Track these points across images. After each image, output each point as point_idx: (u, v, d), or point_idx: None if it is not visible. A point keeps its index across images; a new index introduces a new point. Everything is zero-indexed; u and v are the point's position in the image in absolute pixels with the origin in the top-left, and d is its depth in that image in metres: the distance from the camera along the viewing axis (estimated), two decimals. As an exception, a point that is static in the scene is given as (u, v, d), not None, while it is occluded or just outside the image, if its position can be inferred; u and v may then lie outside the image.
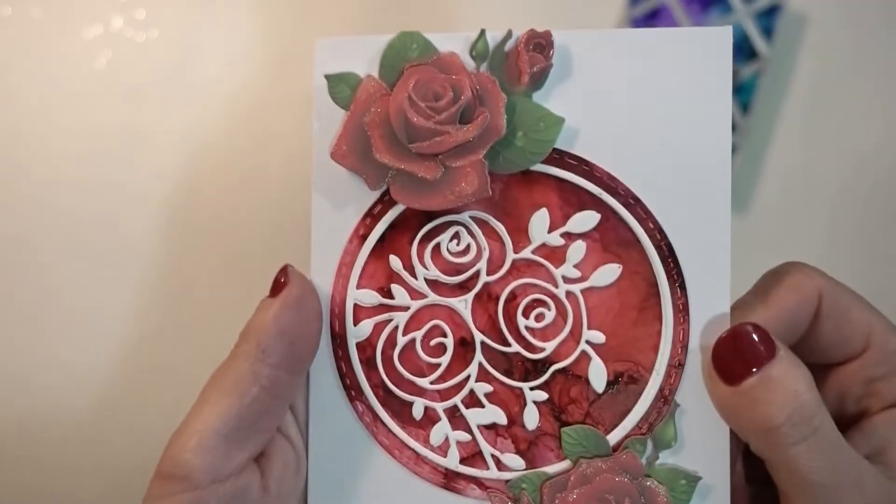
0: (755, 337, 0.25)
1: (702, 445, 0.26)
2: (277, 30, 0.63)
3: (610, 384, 0.27)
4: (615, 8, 0.62)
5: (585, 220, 0.27)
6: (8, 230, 0.60)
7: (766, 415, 0.24)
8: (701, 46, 0.26)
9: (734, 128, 0.58)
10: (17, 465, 0.59)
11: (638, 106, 0.26)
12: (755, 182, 0.60)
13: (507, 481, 0.27)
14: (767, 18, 0.60)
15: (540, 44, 0.26)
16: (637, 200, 0.26)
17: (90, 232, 0.60)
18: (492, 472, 0.27)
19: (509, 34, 0.27)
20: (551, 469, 0.27)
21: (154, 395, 0.59)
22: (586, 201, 0.27)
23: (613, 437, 0.27)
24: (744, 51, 0.60)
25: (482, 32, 0.27)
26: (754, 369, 0.25)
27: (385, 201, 0.27)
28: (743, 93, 0.59)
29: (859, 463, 0.25)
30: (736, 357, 0.25)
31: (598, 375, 0.27)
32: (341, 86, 0.27)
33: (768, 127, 0.61)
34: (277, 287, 0.27)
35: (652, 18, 0.61)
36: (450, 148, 0.26)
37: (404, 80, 0.26)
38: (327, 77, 0.27)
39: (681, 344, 0.26)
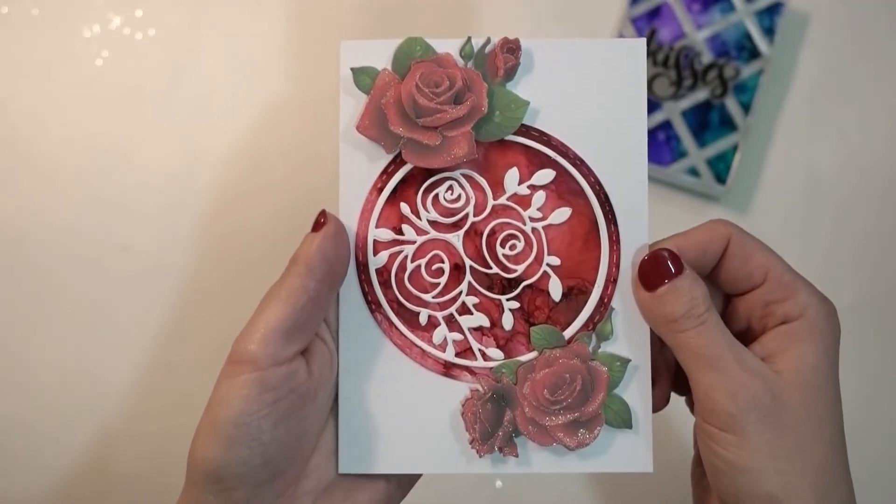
0: (669, 258, 0.35)
1: (630, 337, 0.36)
2: (277, 29, 0.63)
3: (564, 295, 0.37)
4: (616, 7, 0.62)
5: (545, 175, 0.37)
6: (7, 230, 0.60)
7: (670, 311, 0.34)
8: (621, 53, 0.37)
9: (735, 128, 0.59)
10: (17, 464, 0.58)
11: (580, 93, 0.37)
12: (755, 182, 0.60)
13: (491, 368, 0.36)
14: (769, 17, 0.59)
15: (511, 48, 0.36)
16: (582, 162, 0.37)
17: (90, 231, 0.60)
18: (479, 362, 0.37)
19: (488, 40, 0.37)
20: (523, 358, 0.36)
21: (153, 395, 0.59)
22: (546, 162, 0.37)
23: (568, 333, 0.36)
24: (745, 50, 0.59)
25: (468, 39, 0.37)
26: (666, 280, 0.35)
27: (397, 162, 0.37)
28: (744, 92, 0.58)
29: (742, 349, 0.34)
30: (654, 271, 0.35)
31: (555, 289, 0.37)
32: (363, 76, 0.37)
33: (768, 127, 0.60)
34: (318, 225, 0.35)
35: (653, 17, 0.60)
36: (447, 122, 0.36)
37: (412, 73, 0.36)
38: (353, 70, 0.37)
39: (614, 265, 0.36)
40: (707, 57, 0.60)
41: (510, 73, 0.37)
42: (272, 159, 0.61)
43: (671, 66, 0.59)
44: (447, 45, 0.37)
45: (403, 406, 0.37)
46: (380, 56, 0.37)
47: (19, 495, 0.57)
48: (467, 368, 0.37)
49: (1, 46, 0.61)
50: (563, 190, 0.37)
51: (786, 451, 0.33)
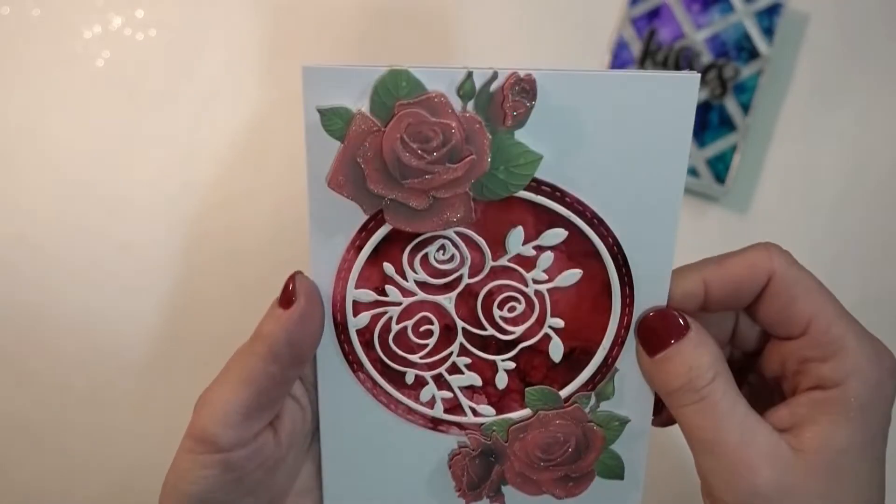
0: (671, 319, 0.31)
1: (633, 398, 0.34)
2: (277, 29, 0.61)
3: (566, 356, 0.33)
4: (616, 8, 0.59)
5: (555, 236, 0.31)
6: (8, 229, 0.59)
7: (667, 382, 0.31)
8: (668, 92, 0.28)
9: (734, 128, 0.57)
10: (17, 464, 0.59)
11: (607, 142, 0.29)
12: (755, 182, 0.59)
13: (482, 425, 0.34)
14: (768, 17, 0.58)
15: (524, 89, 0.28)
16: (601, 221, 0.30)
17: (89, 230, 0.59)
18: (469, 418, 0.34)
19: (494, 75, 0.28)
20: (515, 415, 0.34)
21: (153, 394, 0.59)
22: (556, 220, 0.31)
23: (565, 392, 0.34)
24: (744, 50, 0.58)
25: (469, 74, 0.28)
26: (667, 345, 0.31)
27: (378, 219, 0.30)
28: (743, 92, 0.58)
29: (753, 427, 0.30)
30: (654, 333, 0.32)
31: (556, 350, 0.33)
32: (334, 119, 0.29)
33: (768, 127, 0.59)
34: (286, 297, 0.30)
35: (652, 18, 0.58)
36: (439, 185, 0.29)
37: (397, 122, 0.28)
38: (320, 111, 0.28)
39: (624, 327, 0.32)
40: (706, 57, 0.58)
41: (521, 121, 0.29)
42: (273, 159, 0.59)
43: (670, 67, 0.58)
44: (441, 79, 0.28)
45: (389, 458, 0.35)
46: (353, 89, 0.28)
47: (19, 495, 0.58)
48: (457, 424, 0.34)
49: (1, 47, 0.59)
50: (574, 251, 0.31)
51: None
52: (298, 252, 0.59)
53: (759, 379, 0.35)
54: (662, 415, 0.35)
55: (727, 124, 0.58)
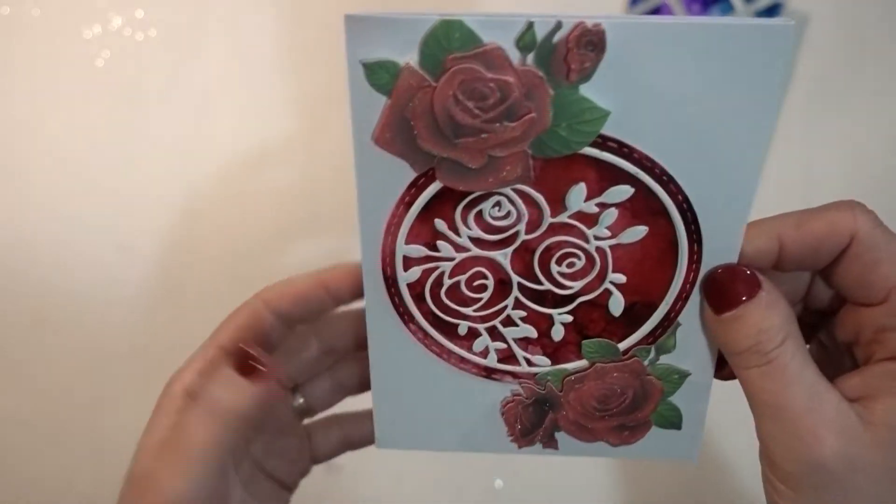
0: (743, 276, 0.29)
1: (694, 351, 0.32)
2: (277, 28, 0.59)
3: (626, 310, 0.31)
4: (615, 8, 0.59)
5: (620, 193, 0.28)
6: (8, 229, 0.58)
7: (734, 342, 0.29)
8: (756, 43, 0.25)
9: None
10: (17, 464, 0.60)
11: (682, 96, 0.26)
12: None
13: (536, 374, 0.33)
14: (768, 17, 0.53)
15: (591, 41, 0.25)
16: (670, 178, 0.28)
17: (89, 230, 0.59)
18: (523, 368, 0.33)
19: (558, 25, 0.25)
20: (571, 366, 0.33)
21: (153, 394, 0.58)
22: (622, 177, 0.28)
23: (624, 345, 0.32)
24: None
25: (530, 25, 0.25)
26: (735, 304, 0.29)
27: (429, 175, 0.28)
28: None
29: (823, 394, 0.28)
30: (722, 291, 0.30)
31: (616, 305, 0.31)
32: (380, 72, 0.26)
33: None
34: (247, 370, 0.32)
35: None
36: (496, 145, 0.26)
37: (450, 79, 0.25)
38: (364, 65, 0.26)
39: (689, 283, 0.30)
40: None
41: (586, 75, 0.26)
42: (273, 159, 0.59)
43: None
44: (498, 30, 0.25)
45: (441, 405, 0.34)
46: (401, 40, 0.26)
47: (19, 495, 0.59)
48: (510, 373, 0.34)
49: (1, 47, 0.59)
50: (639, 208, 0.29)
51: None
52: (299, 251, 0.59)
53: (831, 340, 0.33)
54: (724, 370, 0.33)
55: (728, 124, 0.57)
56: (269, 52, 0.59)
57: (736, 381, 0.31)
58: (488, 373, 0.34)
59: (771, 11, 0.58)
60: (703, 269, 0.30)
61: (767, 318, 0.29)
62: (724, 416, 0.46)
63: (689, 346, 0.32)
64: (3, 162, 0.59)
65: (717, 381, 0.34)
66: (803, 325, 0.30)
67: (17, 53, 0.59)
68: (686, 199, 0.28)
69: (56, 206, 0.59)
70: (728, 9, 0.58)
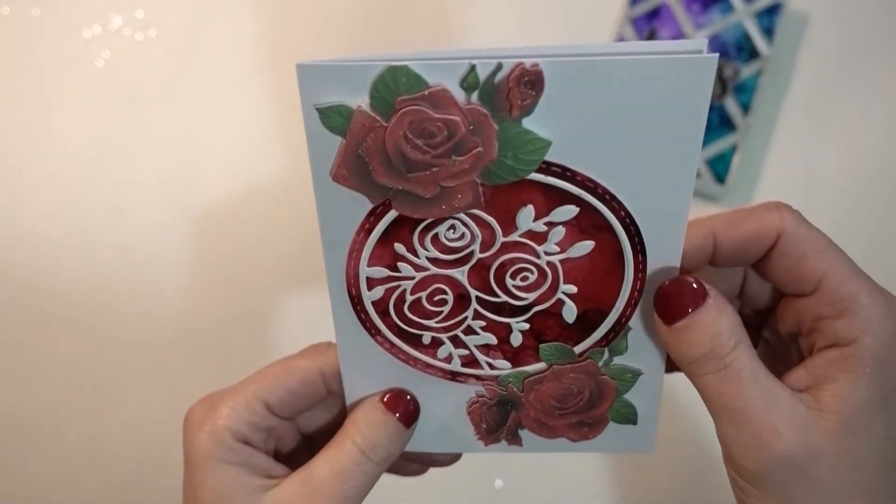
0: (689, 287, 0.31)
1: (645, 352, 0.34)
2: (277, 28, 0.60)
3: (579, 317, 0.33)
4: (616, 8, 0.58)
5: (565, 212, 0.30)
6: (8, 229, 0.59)
7: (687, 351, 0.31)
8: (682, 72, 0.27)
9: (734, 128, 0.57)
10: (17, 463, 0.59)
11: (617, 123, 0.28)
12: (755, 182, 0.59)
13: (497, 377, 0.35)
14: (768, 18, 0.57)
15: (530, 80, 0.26)
16: (613, 197, 0.30)
17: (89, 230, 0.59)
18: (486, 371, 0.35)
19: (499, 67, 0.26)
20: (530, 368, 0.35)
21: (153, 393, 0.59)
22: (567, 198, 0.30)
23: (579, 348, 0.34)
24: (744, 50, 0.57)
25: (472, 67, 0.26)
26: (685, 313, 0.31)
27: (386, 204, 0.30)
28: (743, 93, 0.58)
29: (776, 392, 0.30)
30: (672, 302, 0.31)
31: (569, 313, 0.33)
32: (334, 116, 0.28)
33: (768, 127, 0.58)
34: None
35: (652, 18, 0.57)
36: (446, 177, 0.28)
37: (399, 119, 0.27)
38: (318, 109, 0.27)
39: (637, 290, 0.32)
40: None
41: (528, 109, 0.27)
42: (272, 158, 0.59)
43: None
44: (442, 72, 0.27)
45: None
46: (351, 85, 0.27)
47: (19, 495, 0.59)
48: (474, 376, 0.36)
49: (1, 47, 0.60)
50: (585, 225, 0.31)
51: None
52: (299, 251, 0.59)
53: (776, 336, 0.35)
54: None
55: (727, 124, 0.58)
56: (269, 51, 0.60)
57: None
58: (453, 376, 0.36)
59: (771, 11, 0.58)
60: (649, 277, 0.32)
61: (718, 323, 0.30)
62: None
63: (640, 348, 0.34)
64: (3, 162, 0.60)
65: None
66: (748, 325, 0.32)
67: (17, 53, 0.60)
68: (628, 215, 0.30)
69: (56, 205, 0.60)
70: (728, 9, 0.58)
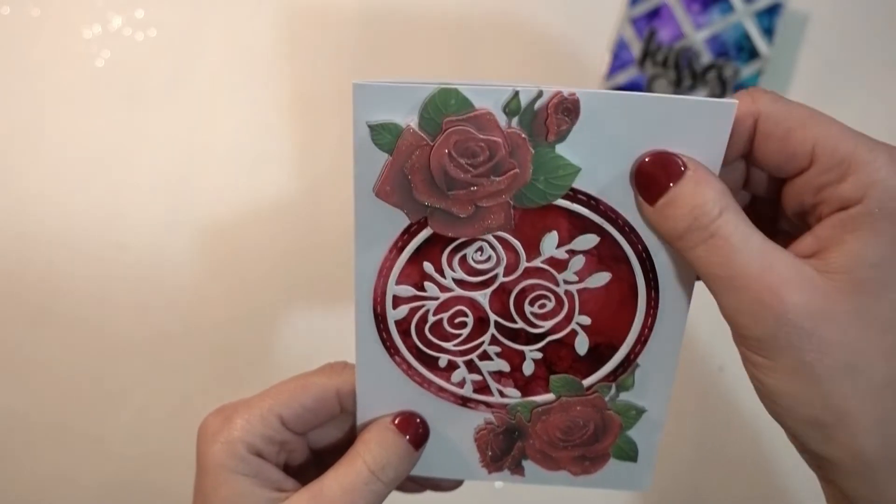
0: (666, 162, 0.30)
1: (651, 390, 0.36)
2: (278, 30, 0.60)
3: (591, 350, 0.35)
4: (616, 8, 0.59)
5: (587, 241, 0.33)
6: (8, 229, 0.59)
7: (673, 227, 0.30)
8: (704, 116, 0.29)
9: None
10: (17, 463, 0.59)
11: (639, 154, 0.30)
12: None
13: (507, 405, 0.37)
14: (768, 17, 0.57)
15: (567, 108, 0.29)
16: (632, 229, 0.32)
17: (89, 230, 0.59)
18: (496, 398, 0.37)
19: (539, 94, 0.29)
20: (539, 399, 0.36)
21: (153, 393, 0.59)
22: (589, 227, 0.32)
23: (588, 382, 0.36)
24: (744, 50, 0.58)
25: (516, 93, 0.29)
26: (666, 189, 0.30)
27: (420, 223, 0.32)
28: None
29: (773, 252, 0.28)
30: (651, 180, 0.30)
31: (582, 345, 0.35)
32: (384, 133, 0.30)
33: None
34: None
35: (652, 18, 0.58)
36: (483, 196, 0.30)
37: (445, 139, 0.29)
38: (370, 126, 0.30)
39: (647, 327, 0.34)
40: (706, 57, 0.59)
41: (562, 136, 0.30)
42: (272, 159, 0.59)
43: (670, 67, 0.59)
44: (488, 97, 0.29)
45: None
46: (402, 105, 0.29)
47: (19, 495, 0.59)
48: (484, 402, 0.37)
49: (1, 47, 0.60)
50: (605, 255, 0.33)
51: (831, 372, 0.27)
52: (299, 251, 0.60)
53: (790, 224, 0.33)
54: None
55: (727, 125, 0.60)
56: (269, 51, 0.60)
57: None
58: (464, 401, 0.37)
59: (771, 11, 0.58)
60: (660, 315, 0.34)
61: (699, 193, 0.29)
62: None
63: (647, 386, 0.36)
64: (3, 162, 0.60)
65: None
66: (764, 221, 0.32)
67: (17, 53, 0.60)
68: (645, 248, 0.33)
69: (56, 205, 0.60)
70: (728, 9, 0.58)
